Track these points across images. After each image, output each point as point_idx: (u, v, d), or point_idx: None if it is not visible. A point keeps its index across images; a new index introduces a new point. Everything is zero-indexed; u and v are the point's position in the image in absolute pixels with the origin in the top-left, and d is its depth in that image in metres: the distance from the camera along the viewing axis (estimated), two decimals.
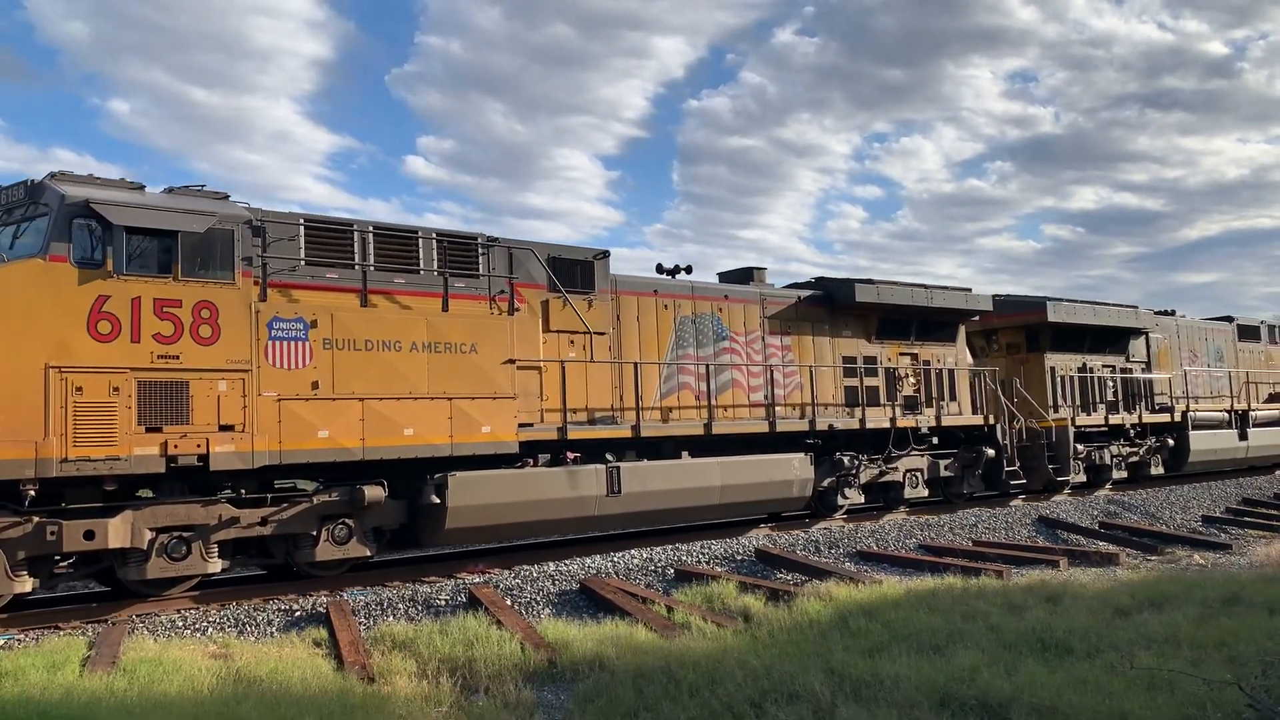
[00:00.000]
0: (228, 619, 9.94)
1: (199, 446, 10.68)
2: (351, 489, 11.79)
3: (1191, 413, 23.42)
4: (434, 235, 12.97)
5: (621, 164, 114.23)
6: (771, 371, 16.70)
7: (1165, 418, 22.96)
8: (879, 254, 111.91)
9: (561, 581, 11.46)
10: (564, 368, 13.83)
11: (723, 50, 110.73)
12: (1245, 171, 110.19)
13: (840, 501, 16.90)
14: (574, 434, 13.69)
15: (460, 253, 13.12)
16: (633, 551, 13.05)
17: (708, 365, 15.94)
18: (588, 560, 12.47)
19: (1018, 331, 21.99)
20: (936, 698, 6.86)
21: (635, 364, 14.81)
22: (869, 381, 17.98)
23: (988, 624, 9.07)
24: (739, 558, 13.06)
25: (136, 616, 10.14)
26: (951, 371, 19.51)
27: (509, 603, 10.62)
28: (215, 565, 11.13)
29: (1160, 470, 22.84)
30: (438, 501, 12.09)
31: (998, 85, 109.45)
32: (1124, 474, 22.23)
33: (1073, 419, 20.65)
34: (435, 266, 12.83)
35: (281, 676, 7.80)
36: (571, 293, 14.36)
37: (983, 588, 11.06)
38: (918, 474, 18.07)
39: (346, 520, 11.93)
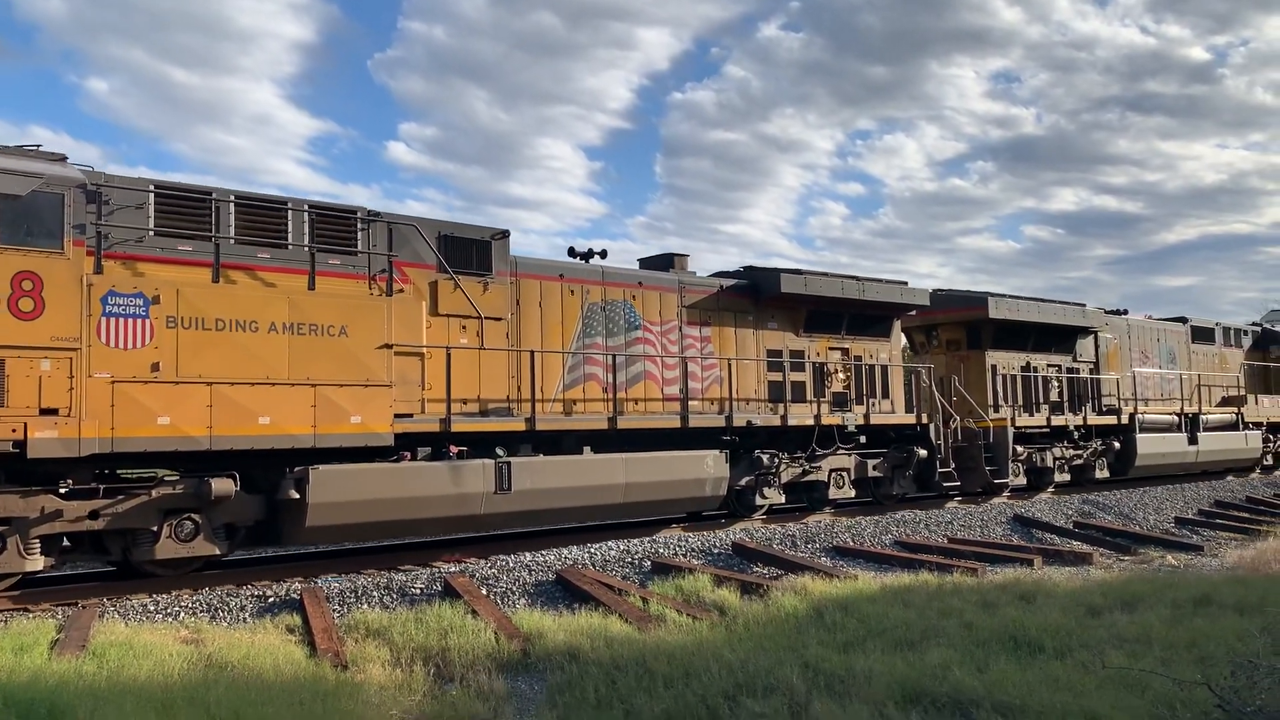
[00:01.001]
0: (200, 604, 9.87)
1: (15, 431, 9.71)
2: (199, 481, 10.83)
3: (1140, 415, 22.72)
4: (306, 208, 11.98)
5: (604, 155, 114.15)
6: (687, 364, 15.88)
7: (1112, 420, 22.26)
8: (860, 251, 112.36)
9: (538, 572, 11.44)
10: (449, 355, 12.71)
11: (708, 43, 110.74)
12: (1223, 177, 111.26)
13: (759, 501, 16.07)
14: (459, 426, 12.64)
15: (335, 227, 12.14)
16: (610, 543, 13.05)
17: (617, 356, 15.01)
18: (564, 551, 12.46)
19: (958, 328, 21.21)
20: (909, 694, 6.89)
21: (532, 352, 13.85)
22: (795, 376, 17.25)
23: (961, 621, 9.12)
24: (715, 550, 13.08)
25: (108, 600, 10.07)
26: (885, 368, 18.75)
27: (485, 592, 10.60)
28: (37, 562, 10.20)
29: (1105, 474, 22.08)
30: (298, 497, 11.11)
31: (981, 85, 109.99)
32: (1066, 477, 21.45)
33: (1012, 419, 19.87)
34: (306, 241, 11.84)
35: (253, 662, 7.76)
36: (465, 274, 13.32)
37: (957, 585, 11.12)
38: (844, 474, 17.24)
39: (193, 515, 10.96)
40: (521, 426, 13.35)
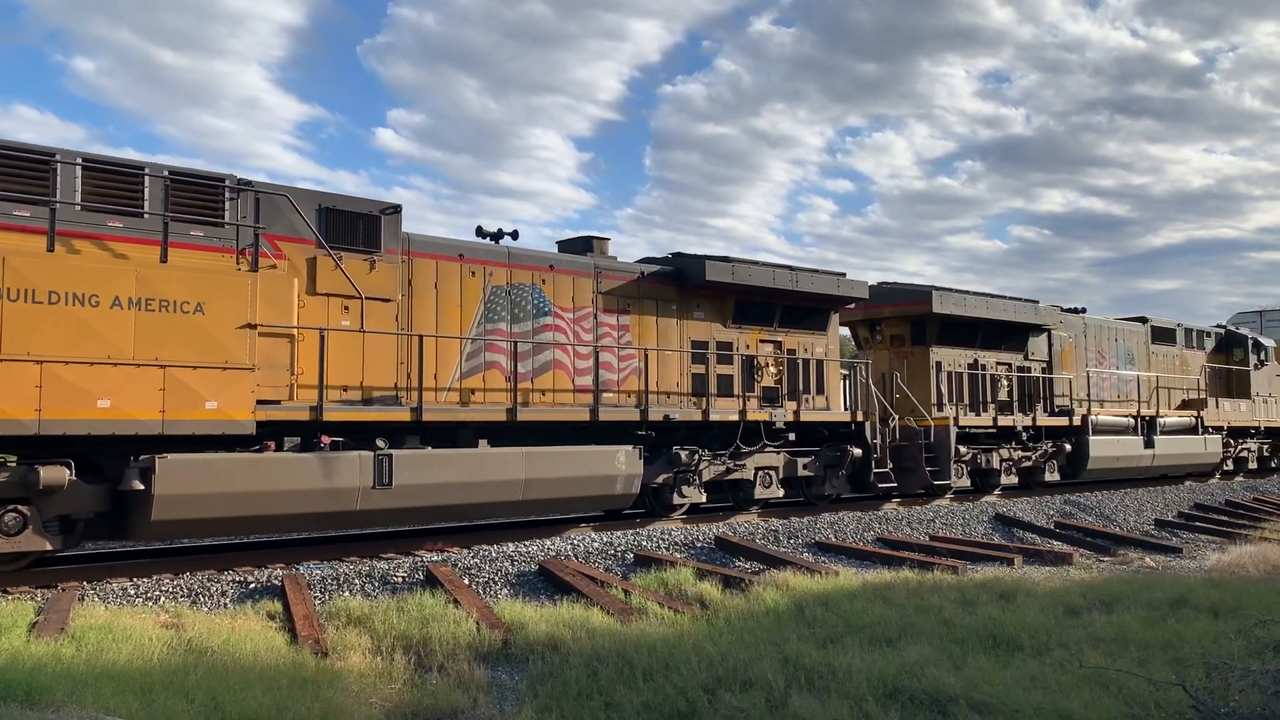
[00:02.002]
0: (181, 589, 9.85)
1: None
2: (26, 469, 9.85)
3: (1093, 417, 22.00)
4: (165, 174, 10.90)
5: (594, 146, 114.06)
6: (600, 353, 14.85)
7: (1063, 421, 21.44)
8: (848, 248, 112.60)
9: (520, 562, 11.45)
10: (324, 337, 11.68)
11: (699, 36, 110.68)
12: (1210, 181, 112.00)
13: (676, 500, 15.25)
14: (332, 415, 11.68)
15: (198, 196, 11.09)
16: (593, 535, 13.07)
17: (519, 343, 13.97)
18: (547, 542, 12.48)
19: (903, 323, 20.19)
20: (887, 690, 6.94)
21: (421, 337, 12.86)
22: (722, 369, 16.41)
23: (940, 618, 9.18)
24: (699, 544, 13.11)
25: (88, 583, 10.03)
26: (820, 362, 17.79)
27: (467, 582, 10.61)
28: None
29: (1055, 477, 21.34)
30: (142, 488, 10.15)
31: (971, 84, 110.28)
32: (1014, 480, 20.70)
33: (956, 419, 19.16)
34: (162, 209, 10.81)
35: (233, 648, 7.75)
36: (349, 251, 12.33)
37: (937, 582, 11.19)
38: (771, 473, 16.40)
39: (20, 507, 9.94)
40: (406, 416, 12.37)
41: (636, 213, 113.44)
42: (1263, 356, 28.39)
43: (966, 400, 20.29)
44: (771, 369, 17.07)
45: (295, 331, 11.63)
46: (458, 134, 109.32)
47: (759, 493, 16.28)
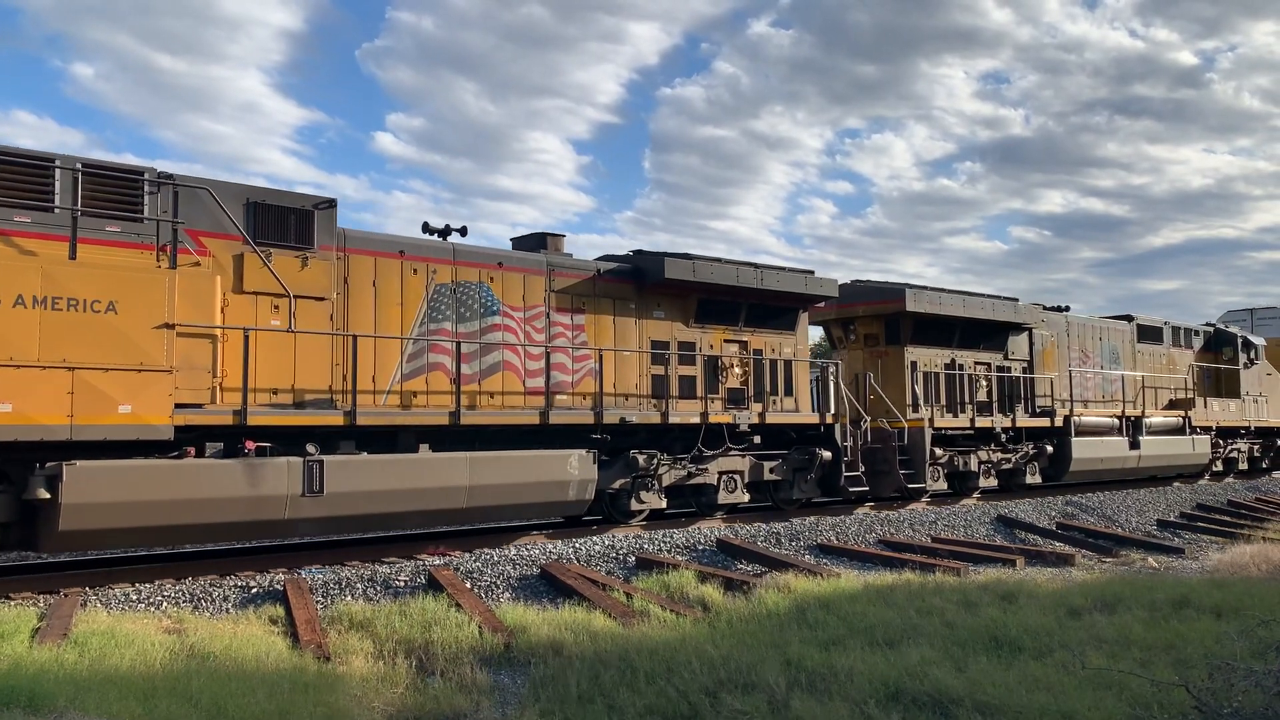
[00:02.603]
0: (183, 594, 9.86)
1: None
2: None
3: (1076, 417, 21.38)
4: (77, 166, 10.45)
5: (593, 149, 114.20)
6: (553, 353, 14.28)
7: (1044, 422, 20.87)
8: (848, 250, 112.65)
9: (522, 566, 11.45)
10: (248, 337, 11.12)
11: (697, 39, 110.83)
12: (1210, 181, 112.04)
13: (635, 506, 14.74)
14: (258, 419, 11.14)
15: (114, 190, 10.60)
16: (594, 538, 13.07)
17: (466, 344, 13.38)
18: (549, 545, 12.48)
19: (876, 322, 19.62)
20: (889, 692, 6.93)
21: (355, 337, 12.26)
22: (684, 370, 15.83)
23: (942, 620, 9.17)
24: (700, 547, 13.11)
25: (90, 589, 10.04)
26: (789, 363, 17.24)
27: (469, 586, 10.61)
28: None
29: (1037, 479, 20.84)
30: (48, 497, 9.71)
31: (970, 85, 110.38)
32: (993, 483, 20.18)
33: (931, 420, 18.59)
34: (74, 204, 10.37)
35: (235, 653, 7.76)
36: (280, 247, 11.81)
37: (939, 584, 11.18)
38: (736, 477, 15.86)
39: None
40: (339, 420, 11.79)
41: (636, 215, 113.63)
42: (1253, 355, 27.92)
43: (943, 401, 19.79)
44: (736, 370, 16.54)
45: (218, 331, 11.09)
46: (457, 137, 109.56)
47: (723, 498, 15.76)
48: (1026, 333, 21.74)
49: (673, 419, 15.00)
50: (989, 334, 20.85)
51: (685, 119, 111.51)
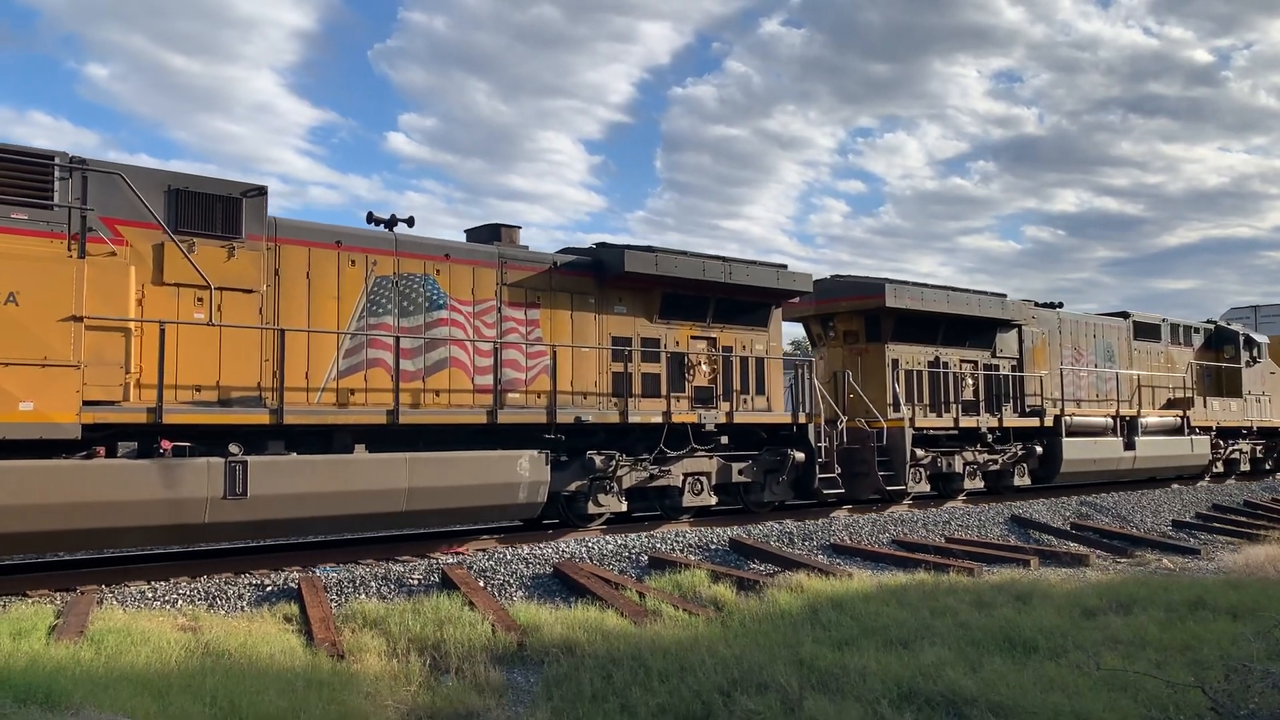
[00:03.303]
0: (198, 591, 9.91)
1: None
2: None
3: (1067, 417, 20.70)
4: None
5: (605, 149, 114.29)
6: (504, 349, 13.62)
7: (1033, 422, 20.21)
8: (860, 249, 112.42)
9: (535, 564, 11.47)
10: (164, 331, 10.51)
11: (709, 38, 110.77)
12: (1225, 180, 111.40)
13: (592, 509, 14.09)
14: (174, 417, 10.50)
15: (21, 175, 10.07)
16: (607, 537, 13.08)
17: (409, 339, 12.81)
18: (562, 544, 12.50)
19: (856, 318, 18.93)
20: (902, 692, 6.92)
21: (282, 331, 11.52)
22: (647, 368, 15.18)
23: (956, 620, 9.15)
24: (713, 546, 13.11)
25: (106, 586, 10.10)
26: (761, 360, 16.56)
27: (482, 584, 10.63)
28: None
29: (1026, 481, 20.17)
30: None
31: (983, 84, 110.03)
32: (980, 485, 19.38)
33: (912, 420, 17.95)
34: None
35: (250, 651, 7.79)
36: (205, 237, 11.22)
37: (953, 584, 11.15)
38: (702, 479, 15.23)
39: None
40: (264, 419, 11.16)
41: (648, 215, 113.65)
42: (1256, 353, 27.11)
43: (926, 400, 19.15)
44: (704, 367, 15.92)
45: (132, 325, 10.52)
46: (469, 137, 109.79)
47: (688, 500, 15.10)
48: (1015, 330, 21.06)
49: (633, 418, 14.37)
50: (976, 331, 20.21)
51: (697, 118, 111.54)
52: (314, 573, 10.78)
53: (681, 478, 15.07)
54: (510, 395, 13.67)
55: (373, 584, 10.45)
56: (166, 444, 10.50)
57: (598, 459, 13.95)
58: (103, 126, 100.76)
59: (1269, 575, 12.55)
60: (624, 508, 14.50)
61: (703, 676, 7.18)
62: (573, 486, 13.97)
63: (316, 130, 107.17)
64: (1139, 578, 12.50)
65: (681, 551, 12.71)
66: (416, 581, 10.61)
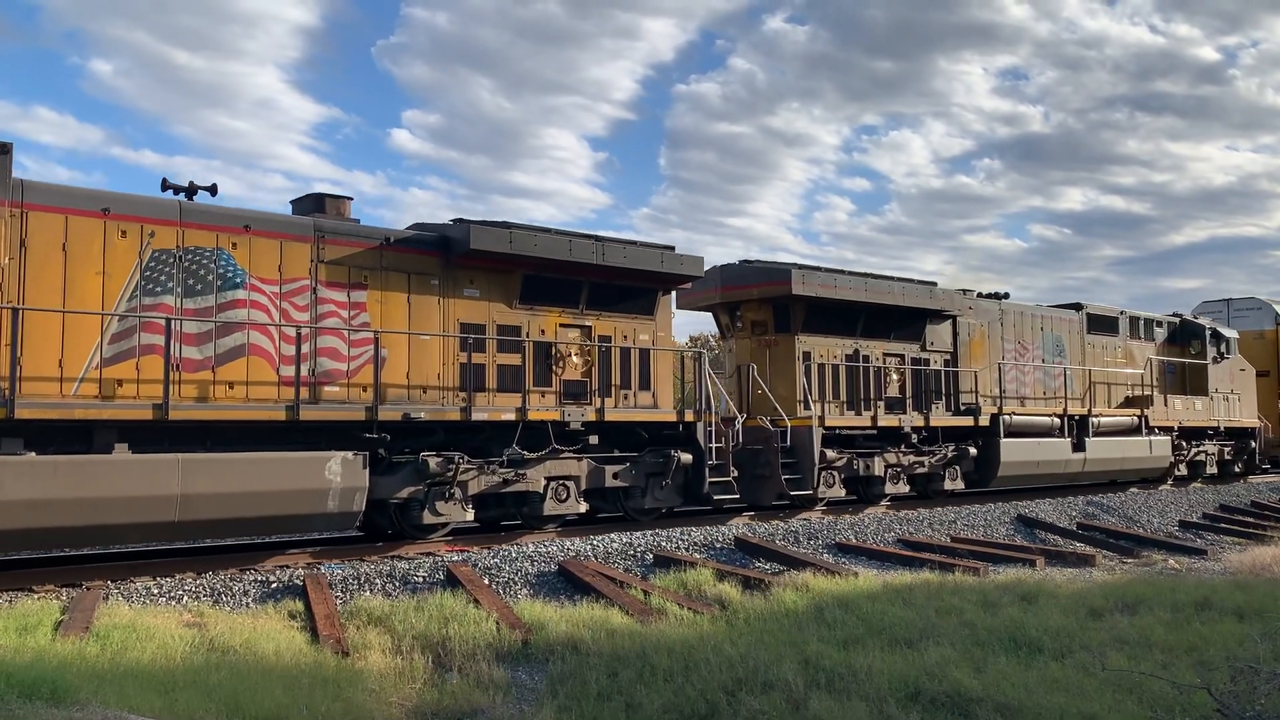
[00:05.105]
0: (203, 588, 9.92)
1: None
2: None
3: (1007, 416, 19.20)
4: None
5: (609, 146, 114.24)
6: (320, 335, 12.07)
7: (966, 421, 18.73)
8: (866, 247, 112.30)
9: (540, 562, 11.47)
10: None
11: (713, 35, 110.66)
12: (1233, 179, 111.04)
13: (429, 519, 12.49)
14: None
15: None
16: (612, 535, 13.07)
17: (196, 323, 11.25)
18: (567, 543, 12.49)
19: (764, 307, 17.39)
20: (907, 691, 6.91)
21: (15, 309, 9.93)
22: (505, 359, 13.56)
23: (961, 620, 9.14)
24: (718, 545, 13.09)
25: (112, 582, 10.12)
26: (646, 352, 15.04)
27: (487, 582, 10.63)
28: None
29: (959, 485, 18.71)
30: None
31: (988, 82, 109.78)
32: (904, 489, 17.97)
33: (821, 418, 16.49)
34: None
35: (255, 647, 7.81)
36: None
37: (959, 584, 11.14)
38: (569, 484, 13.71)
39: None
40: None
41: (652, 212, 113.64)
42: (1224, 349, 25.32)
43: (844, 397, 17.72)
44: (576, 359, 14.31)
45: None
46: (473, 134, 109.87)
47: (550, 508, 13.52)
48: (949, 321, 19.50)
49: (477, 415, 12.76)
50: (902, 322, 18.68)
51: (701, 115, 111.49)
52: (319, 570, 10.79)
53: (544, 482, 13.52)
54: (328, 389, 12.16)
55: (378, 581, 10.45)
56: None
57: (433, 461, 12.33)
58: (108, 122, 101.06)
59: (1276, 576, 12.51)
60: (469, 517, 12.89)
61: (708, 675, 7.17)
62: (405, 493, 12.37)
63: (320, 127, 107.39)
64: (1145, 578, 12.47)
65: (687, 550, 12.69)
66: (421, 579, 10.61)
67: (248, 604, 9.73)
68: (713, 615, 9.65)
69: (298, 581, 10.18)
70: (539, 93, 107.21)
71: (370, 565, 11.12)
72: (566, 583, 11.06)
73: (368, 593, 10.16)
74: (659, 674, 7.30)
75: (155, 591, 9.74)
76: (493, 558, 11.48)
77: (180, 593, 9.76)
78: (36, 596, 9.46)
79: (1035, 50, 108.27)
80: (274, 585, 10.15)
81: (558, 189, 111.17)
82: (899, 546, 14.18)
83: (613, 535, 13.08)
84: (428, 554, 12.08)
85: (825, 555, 13.26)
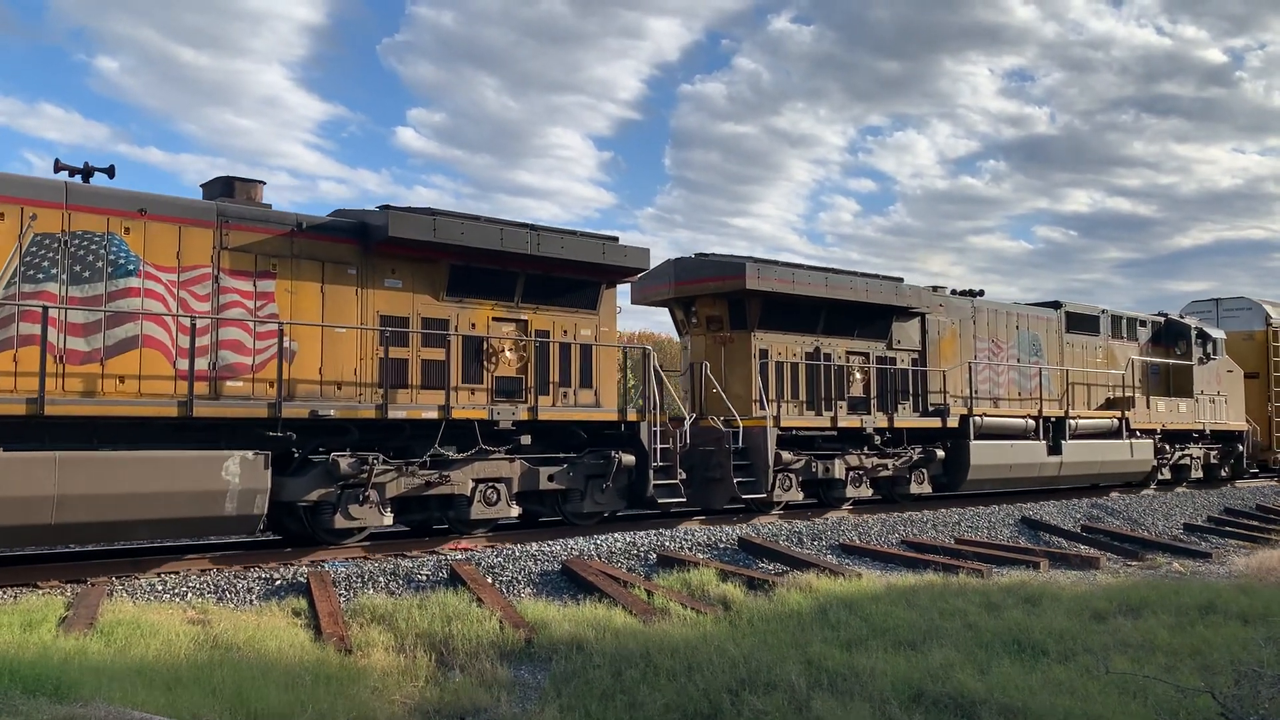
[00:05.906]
0: (207, 585, 9.94)
1: None
2: None
3: (978, 417, 18.54)
4: None
5: (614, 145, 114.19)
6: (221, 327, 11.41)
7: (934, 422, 18.11)
8: (871, 248, 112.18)
9: (544, 561, 11.48)
10: None
11: (718, 35, 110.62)
12: (1239, 181, 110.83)
13: (342, 523, 11.79)
14: None
15: None
16: (615, 535, 13.07)
17: (81, 312, 10.57)
18: (570, 541, 12.49)
19: (720, 302, 16.72)
20: (910, 693, 6.91)
21: None
22: (429, 354, 12.91)
23: (965, 622, 9.14)
24: (721, 545, 13.09)
25: (116, 578, 10.15)
26: (588, 348, 14.36)
27: (490, 581, 10.65)
28: None
29: (926, 488, 18.09)
30: None
31: (994, 83, 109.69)
32: (867, 492, 17.34)
33: (777, 419, 15.86)
34: None
35: (258, 644, 7.83)
36: None
37: (962, 586, 11.13)
38: (500, 486, 12.97)
39: None
40: None
41: (657, 212, 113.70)
42: (1210, 350, 24.49)
43: (804, 397, 17.09)
44: (510, 355, 13.63)
45: None
46: (478, 133, 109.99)
47: (478, 512, 12.81)
48: (918, 319, 18.88)
49: (395, 414, 12.05)
50: (867, 319, 18.07)
51: (706, 115, 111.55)
52: (323, 567, 10.81)
53: (471, 485, 12.82)
54: (230, 384, 11.52)
55: (381, 579, 10.47)
56: None
57: (344, 462, 11.64)
58: (113, 119, 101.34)
59: None
60: (387, 521, 12.23)
61: (711, 675, 7.18)
62: (315, 495, 11.67)
63: (325, 124, 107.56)
64: (1149, 581, 12.46)
65: (690, 550, 12.70)
66: (425, 577, 10.63)
67: (251, 601, 9.75)
68: (716, 615, 9.66)
69: (301, 579, 10.21)
70: (544, 92, 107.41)
71: (374, 563, 11.14)
72: (570, 582, 11.07)
73: (371, 591, 10.17)
74: (662, 674, 7.31)
75: (159, 588, 9.77)
76: (496, 556, 11.49)
77: (184, 589, 9.78)
78: (41, 592, 9.48)
79: (1041, 51, 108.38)
80: (278, 582, 10.17)
81: (562, 188, 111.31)
82: (903, 548, 14.17)
83: (616, 535, 13.09)
84: (431, 552, 12.09)
85: (829, 556, 13.26)
